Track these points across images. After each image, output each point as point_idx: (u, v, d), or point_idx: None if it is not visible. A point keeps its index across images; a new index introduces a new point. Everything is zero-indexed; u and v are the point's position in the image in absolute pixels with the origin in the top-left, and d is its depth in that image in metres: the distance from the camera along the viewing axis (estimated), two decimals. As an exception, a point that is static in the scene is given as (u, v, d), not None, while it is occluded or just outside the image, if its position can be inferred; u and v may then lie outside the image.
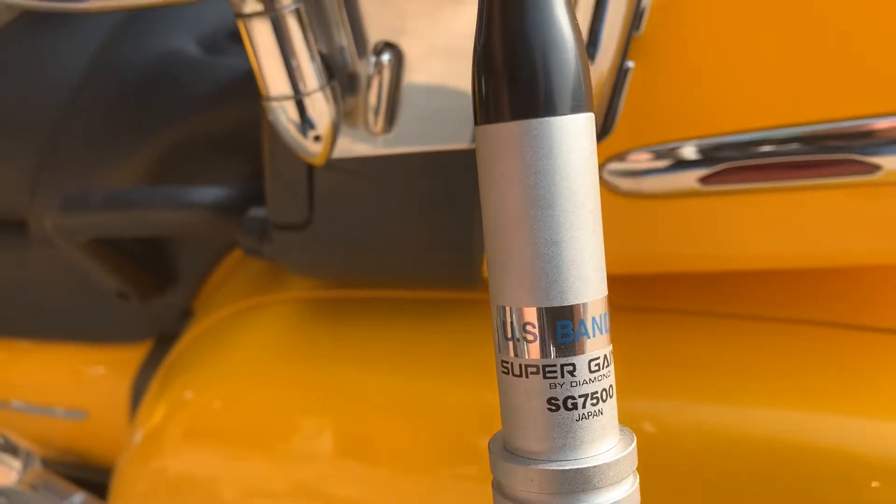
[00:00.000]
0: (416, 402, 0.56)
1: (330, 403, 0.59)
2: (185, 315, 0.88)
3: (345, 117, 0.45)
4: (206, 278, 0.84)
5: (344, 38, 0.42)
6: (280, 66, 0.40)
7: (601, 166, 0.44)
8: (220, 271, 0.84)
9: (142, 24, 0.84)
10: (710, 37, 0.39)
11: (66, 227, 0.69)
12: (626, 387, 0.51)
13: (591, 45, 0.38)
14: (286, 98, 0.41)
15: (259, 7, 0.38)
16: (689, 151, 0.42)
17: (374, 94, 0.43)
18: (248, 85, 0.43)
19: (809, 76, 0.39)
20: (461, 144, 0.44)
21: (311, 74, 0.41)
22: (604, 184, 0.45)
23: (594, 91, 0.39)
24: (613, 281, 0.53)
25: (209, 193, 0.64)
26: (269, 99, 0.42)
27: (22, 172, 0.80)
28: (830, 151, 0.40)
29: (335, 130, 0.43)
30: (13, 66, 0.88)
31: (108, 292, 0.82)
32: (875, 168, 0.40)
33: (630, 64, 0.40)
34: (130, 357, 0.92)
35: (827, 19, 0.38)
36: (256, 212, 0.59)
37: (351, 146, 0.47)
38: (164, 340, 0.89)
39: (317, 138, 0.43)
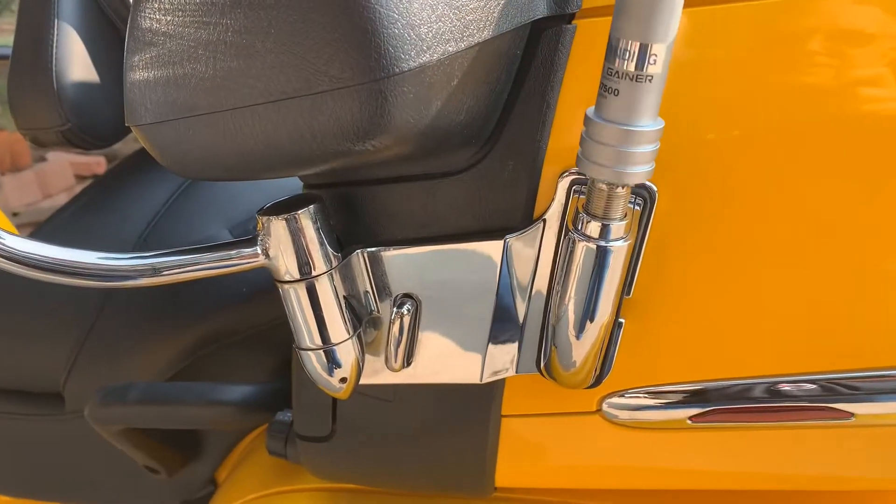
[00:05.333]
0: None
1: None
2: (209, 483, 0.91)
3: (367, 347, 0.50)
4: (230, 451, 0.88)
5: (369, 290, 0.47)
6: (313, 324, 0.45)
7: (602, 398, 0.49)
8: (243, 444, 0.88)
9: (180, 212, 0.92)
10: (690, 301, 0.44)
11: (102, 417, 0.73)
12: None
13: (590, 307, 0.43)
14: (317, 349, 0.46)
15: (296, 276, 0.44)
16: (681, 394, 0.47)
17: (394, 338, 0.48)
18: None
19: (783, 335, 0.44)
20: (472, 380, 0.49)
21: (340, 328, 0.46)
22: (603, 415, 0.49)
23: (594, 343, 0.44)
24: (612, 494, 0.57)
25: (237, 392, 0.69)
26: (300, 348, 0.47)
27: (61, 351, 0.86)
28: (810, 400, 0.45)
29: (359, 371, 0.48)
30: None
31: (138, 465, 0.86)
32: (849, 415, 0.45)
33: (622, 320, 0.45)
34: (153, 522, 0.94)
35: (797, 287, 0.43)
36: (282, 416, 0.63)
37: (373, 375, 0.51)
38: (187, 507, 0.92)
39: (342, 379, 0.47)
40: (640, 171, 0.36)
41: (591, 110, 0.36)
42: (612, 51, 0.34)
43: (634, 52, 0.33)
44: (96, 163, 3.64)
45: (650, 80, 0.33)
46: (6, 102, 0.90)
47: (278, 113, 0.35)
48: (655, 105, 0.35)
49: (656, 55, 0.33)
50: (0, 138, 3.58)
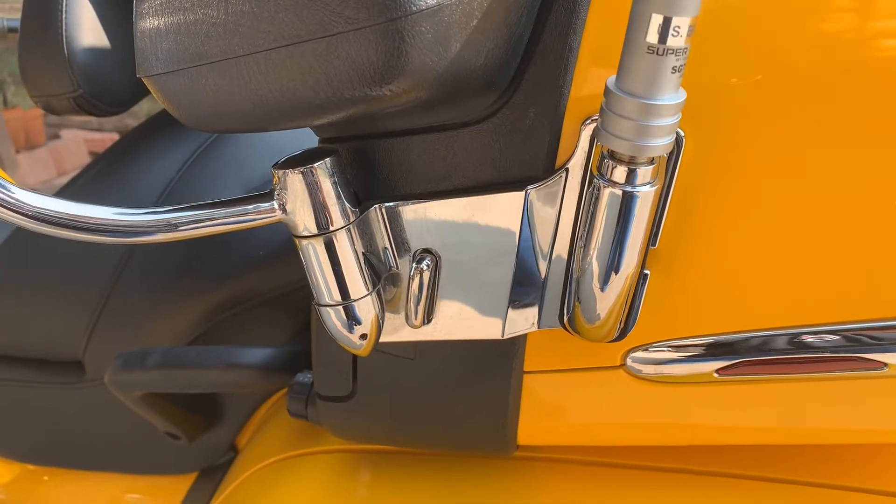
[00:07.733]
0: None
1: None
2: (230, 449, 0.92)
3: (387, 304, 0.49)
4: (251, 417, 0.88)
5: (387, 246, 0.47)
6: (332, 280, 0.44)
7: (626, 353, 0.48)
8: (263, 409, 0.88)
9: (196, 176, 0.91)
10: (717, 250, 0.43)
11: (122, 382, 0.73)
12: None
13: (615, 257, 0.42)
14: (336, 305, 0.45)
15: (314, 230, 0.43)
16: (708, 347, 0.46)
17: (414, 294, 0.47)
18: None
19: (814, 284, 0.43)
20: (493, 336, 0.48)
21: (359, 284, 0.45)
22: (626, 370, 0.48)
23: (619, 295, 0.43)
24: (636, 451, 0.57)
25: (259, 354, 0.69)
26: (320, 304, 0.46)
27: (80, 319, 0.86)
28: (840, 350, 0.44)
29: (379, 327, 0.47)
30: None
31: (158, 432, 0.86)
32: (882, 365, 0.43)
33: (647, 272, 0.44)
34: (175, 489, 0.95)
35: (827, 234, 0.41)
36: (302, 377, 0.63)
37: (393, 332, 0.50)
38: (207, 473, 0.93)
39: (363, 336, 0.47)
40: (660, 145, 0.35)
41: (611, 80, 0.35)
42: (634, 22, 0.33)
43: (657, 25, 0.32)
44: (111, 139, 3.64)
45: (674, 54, 0.32)
46: (19, 80, 0.89)
47: (292, 58, 0.34)
48: (678, 78, 0.33)
49: (679, 27, 0.32)
50: (14, 116, 3.59)
